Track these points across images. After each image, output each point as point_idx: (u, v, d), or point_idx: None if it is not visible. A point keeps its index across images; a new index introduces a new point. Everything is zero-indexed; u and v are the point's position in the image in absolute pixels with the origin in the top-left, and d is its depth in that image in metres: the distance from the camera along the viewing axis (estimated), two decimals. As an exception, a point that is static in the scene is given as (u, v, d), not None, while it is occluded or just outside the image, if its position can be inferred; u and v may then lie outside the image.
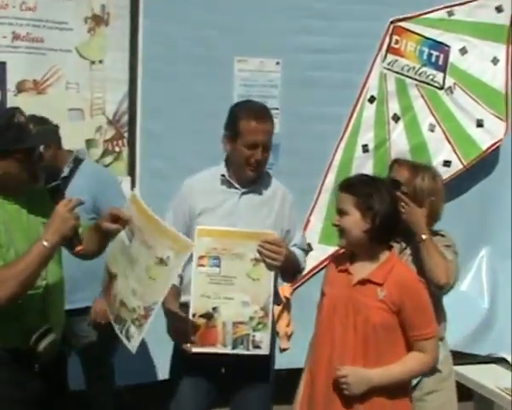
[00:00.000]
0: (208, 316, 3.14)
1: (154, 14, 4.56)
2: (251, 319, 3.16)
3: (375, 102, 5.03)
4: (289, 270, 3.39)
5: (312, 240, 4.94)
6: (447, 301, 3.50)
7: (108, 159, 4.60)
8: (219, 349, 3.15)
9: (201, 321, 3.14)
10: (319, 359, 3.04)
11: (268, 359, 3.30)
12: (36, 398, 2.92)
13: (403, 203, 3.37)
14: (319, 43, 4.87)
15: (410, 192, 3.42)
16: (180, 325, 3.21)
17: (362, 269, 3.01)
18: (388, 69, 5.04)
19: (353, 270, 3.03)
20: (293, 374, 3.27)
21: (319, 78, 4.89)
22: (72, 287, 3.36)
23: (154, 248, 2.89)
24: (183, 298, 3.34)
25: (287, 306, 4.79)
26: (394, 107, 5.06)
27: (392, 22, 5.02)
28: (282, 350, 4.76)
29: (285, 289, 4.69)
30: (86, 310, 3.97)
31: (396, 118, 5.07)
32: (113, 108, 4.60)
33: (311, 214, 4.97)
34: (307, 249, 3.71)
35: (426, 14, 5.09)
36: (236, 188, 3.34)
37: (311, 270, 4.88)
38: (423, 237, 3.37)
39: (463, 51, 5.19)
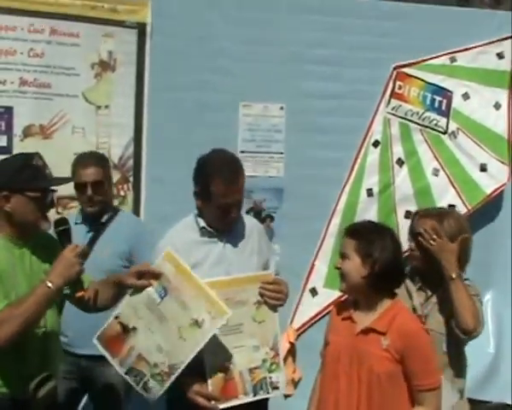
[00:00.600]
0: (225, 369, 3.12)
1: (159, 59, 4.62)
2: (264, 361, 3.17)
3: (379, 147, 5.05)
4: None
5: (317, 284, 4.94)
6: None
7: (114, 203, 4.59)
8: (243, 399, 3.13)
9: (220, 376, 3.12)
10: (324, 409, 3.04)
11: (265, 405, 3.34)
12: None
13: (434, 237, 3.32)
14: (323, 88, 4.93)
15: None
16: (199, 388, 3.12)
17: (365, 317, 3.01)
18: (392, 114, 5.08)
19: (357, 318, 3.03)
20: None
21: (323, 123, 4.93)
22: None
23: (191, 310, 2.99)
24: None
25: (292, 351, 4.76)
26: (398, 151, 5.09)
27: (395, 68, 5.08)
28: (287, 396, 4.70)
29: (290, 334, 4.66)
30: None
31: (400, 162, 5.09)
32: (118, 153, 4.62)
33: (315, 259, 4.96)
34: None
35: (428, 60, 5.14)
36: (218, 238, 3.31)
37: (317, 314, 4.87)
38: (453, 275, 3.28)
39: (466, 96, 5.24)
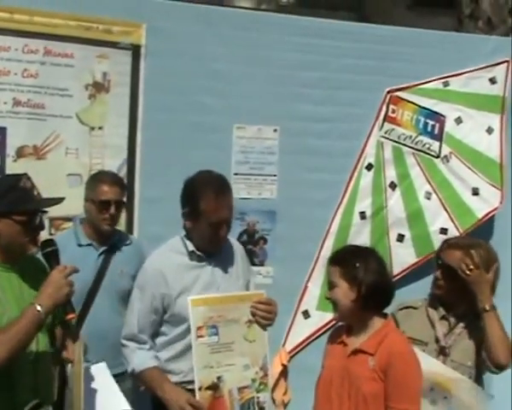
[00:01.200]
0: (214, 387, 3.14)
1: (153, 82, 4.62)
2: (253, 381, 3.21)
3: (372, 170, 5.06)
4: None
5: (310, 306, 4.93)
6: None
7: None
8: None
9: (208, 393, 3.12)
10: None
11: None
12: None
13: (471, 267, 3.27)
14: (317, 111, 4.94)
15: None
16: (189, 397, 3.14)
17: (356, 340, 3.04)
18: (385, 138, 5.09)
19: (349, 341, 3.06)
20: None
21: (317, 145, 4.94)
22: (116, 352, 3.45)
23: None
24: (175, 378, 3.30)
25: (284, 373, 4.73)
26: (391, 174, 5.10)
27: (388, 92, 5.10)
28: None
29: (282, 356, 4.65)
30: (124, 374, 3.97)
31: (393, 185, 5.10)
32: (111, 174, 4.61)
33: (308, 281, 4.95)
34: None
35: (422, 84, 5.17)
36: (207, 260, 3.34)
37: (309, 337, 4.85)
38: (487, 307, 3.24)
39: (459, 121, 5.26)
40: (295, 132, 4.90)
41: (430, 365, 3.13)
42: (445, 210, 5.16)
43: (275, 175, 4.89)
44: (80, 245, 4.02)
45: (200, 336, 3.14)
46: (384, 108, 5.09)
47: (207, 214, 3.22)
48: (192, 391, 3.15)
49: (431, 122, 5.18)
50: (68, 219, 4.42)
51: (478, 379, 3.36)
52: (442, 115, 5.21)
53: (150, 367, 3.29)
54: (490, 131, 5.31)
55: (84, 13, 4.44)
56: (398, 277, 4.99)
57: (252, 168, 4.85)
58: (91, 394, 3.00)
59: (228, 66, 4.76)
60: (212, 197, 3.24)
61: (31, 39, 4.36)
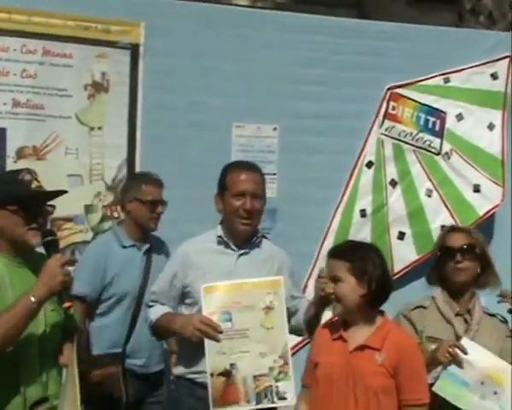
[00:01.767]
0: (227, 374, 3.05)
1: (152, 81, 4.62)
2: (271, 369, 3.07)
3: (372, 168, 5.06)
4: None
5: (310, 305, 4.91)
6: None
7: (107, 224, 4.58)
8: (244, 406, 3.06)
9: (221, 380, 3.06)
10: None
11: None
12: None
13: None
14: (316, 109, 4.94)
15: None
16: (201, 316, 3.11)
17: (357, 335, 2.99)
18: (386, 135, 5.09)
19: (348, 336, 3.00)
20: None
21: (316, 143, 4.94)
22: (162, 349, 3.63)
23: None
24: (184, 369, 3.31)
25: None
26: (392, 172, 5.10)
27: (389, 89, 5.09)
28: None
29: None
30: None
31: (393, 183, 5.10)
32: (111, 174, 4.61)
33: (308, 279, 4.94)
34: None
35: (422, 80, 5.16)
36: (233, 249, 3.33)
37: (309, 336, 4.84)
38: None
39: (460, 117, 5.25)
40: (295, 130, 4.90)
41: (481, 356, 3.13)
42: (446, 207, 5.15)
43: (274, 174, 4.88)
44: (124, 247, 4.03)
45: None
46: (384, 105, 5.08)
47: (232, 186, 3.28)
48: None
49: (432, 119, 5.17)
50: (69, 219, 4.43)
51: None
52: (443, 112, 5.20)
53: (165, 313, 3.33)
54: (491, 127, 5.30)
55: (83, 13, 4.45)
56: (399, 274, 4.99)
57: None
58: None
59: (227, 64, 4.76)
60: (235, 171, 3.32)
61: (29, 39, 4.37)
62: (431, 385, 3.11)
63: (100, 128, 4.57)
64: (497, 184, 5.22)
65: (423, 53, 5.13)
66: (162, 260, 4.02)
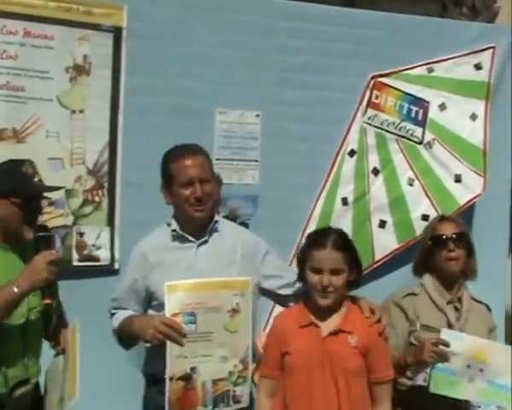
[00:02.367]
0: (187, 378, 2.96)
1: (135, 64, 4.57)
2: (230, 373, 3.01)
3: (355, 156, 5.06)
4: None
5: (292, 292, 4.92)
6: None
7: (88, 209, 4.54)
8: None
9: (180, 384, 2.96)
10: None
11: None
12: None
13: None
14: (300, 96, 4.91)
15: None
16: (163, 317, 2.98)
17: (329, 320, 3.05)
18: (368, 123, 5.08)
19: (320, 322, 3.05)
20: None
21: (299, 130, 4.92)
22: None
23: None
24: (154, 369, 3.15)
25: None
26: (374, 160, 5.10)
27: (372, 77, 5.08)
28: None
29: (262, 340, 4.62)
30: None
31: (375, 171, 5.10)
32: (93, 158, 4.56)
33: (290, 265, 4.93)
34: None
35: (406, 70, 5.16)
36: (190, 241, 3.22)
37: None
38: None
39: (443, 107, 5.25)
40: (278, 117, 4.88)
41: (461, 341, 3.17)
42: (427, 196, 5.16)
43: (257, 160, 4.87)
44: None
45: None
46: (367, 94, 5.07)
47: (177, 176, 3.16)
48: None
49: (414, 108, 5.17)
50: (49, 203, 4.39)
51: None
52: (426, 101, 5.21)
53: (126, 317, 3.23)
54: (474, 117, 5.31)
55: (64, -6, 4.39)
56: (380, 262, 5.01)
57: (234, 153, 4.83)
58: None
59: (210, 50, 4.72)
60: (178, 159, 3.19)
61: (9, 20, 4.29)
62: (422, 387, 3.18)
63: (81, 111, 4.51)
64: (478, 174, 5.23)
65: (408, 42, 5.12)
66: None
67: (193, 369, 2.96)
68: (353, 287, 3.13)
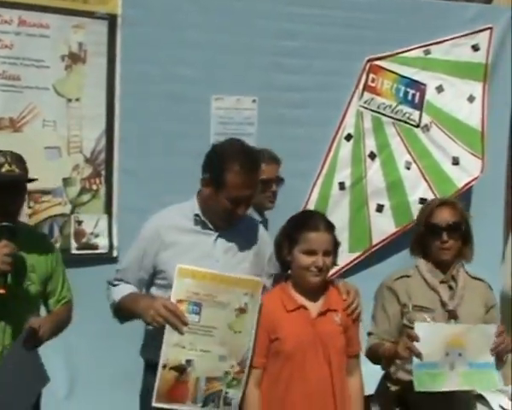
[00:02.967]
0: (181, 369, 2.86)
1: (131, 51, 4.56)
2: (226, 374, 2.91)
3: (351, 140, 5.06)
4: None
5: (289, 276, 4.93)
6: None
7: (86, 197, 4.55)
8: (188, 407, 2.89)
9: (172, 374, 2.86)
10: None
11: None
12: None
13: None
14: (296, 81, 4.91)
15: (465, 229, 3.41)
16: (165, 301, 2.90)
17: (315, 300, 3.09)
18: (365, 107, 5.08)
19: (307, 304, 3.08)
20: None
21: (296, 115, 4.92)
22: None
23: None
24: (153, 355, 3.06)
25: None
26: (371, 144, 5.09)
27: (368, 61, 5.07)
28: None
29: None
30: None
31: (372, 155, 5.10)
32: (90, 146, 4.56)
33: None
34: None
35: (402, 52, 5.15)
36: (211, 229, 3.16)
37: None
38: None
39: (440, 89, 5.24)
40: (274, 103, 4.87)
41: (436, 331, 3.15)
42: (425, 180, 5.17)
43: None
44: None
45: None
46: (364, 78, 5.07)
47: (229, 189, 3.01)
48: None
49: (411, 91, 5.17)
50: (47, 192, 4.40)
51: None
52: (422, 84, 5.20)
53: (129, 293, 3.14)
54: (471, 99, 5.31)
55: (59, -18, 4.38)
56: (378, 247, 5.02)
57: (230, 139, 4.83)
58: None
59: (206, 35, 4.70)
60: (238, 172, 3.01)
61: (5, 9, 4.28)
62: (406, 382, 3.18)
63: (78, 100, 4.51)
64: (476, 156, 5.24)
65: (404, 25, 5.12)
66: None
67: (188, 362, 2.87)
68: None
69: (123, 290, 3.17)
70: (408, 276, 3.42)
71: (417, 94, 5.17)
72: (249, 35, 4.78)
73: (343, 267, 4.76)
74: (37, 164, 4.24)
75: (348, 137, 5.05)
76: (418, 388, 3.06)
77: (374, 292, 3.47)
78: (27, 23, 4.35)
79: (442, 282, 3.38)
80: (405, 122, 5.15)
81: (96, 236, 4.54)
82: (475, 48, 5.31)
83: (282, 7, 4.85)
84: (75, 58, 4.48)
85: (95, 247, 4.54)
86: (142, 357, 3.30)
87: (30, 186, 4.17)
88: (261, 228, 3.41)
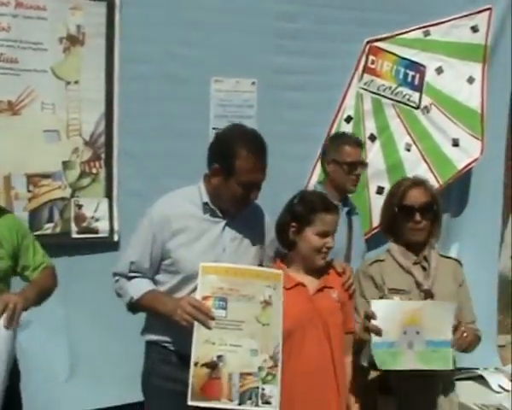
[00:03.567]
0: (212, 365, 2.84)
1: (129, 32, 4.52)
2: (260, 369, 2.86)
3: (351, 122, 5.04)
4: None
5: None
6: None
7: (86, 181, 4.52)
8: (226, 404, 2.83)
9: (204, 371, 2.83)
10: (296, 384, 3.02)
11: None
12: None
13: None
14: (295, 63, 4.88)
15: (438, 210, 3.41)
16: (191, 298, 2.92)
17: (312, 277, 3.16)
18: (365, 89, 5.06)
19: (306, 281, 3.14)
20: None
21: (295, 98, 4.90)
22: None
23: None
24: (155, 337, 3.16)
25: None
26: (371, 126, 5.08)
27: (368, 42, 5.05)
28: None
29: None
30: None
31: (372, 137, 5.09)
32: (89, 129, 4.53)
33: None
34: None
35: (402, 34, 5.13)
36: (220, 217, 3.16)
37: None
38: None
39: (439, 71, 5.23)
40: (274, 85, 4.84)
41: (395, 308, 3.11)
42: (425, 161, 5.17)
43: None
44: None
45: None
46: (363, 59, 5.05)
47: (240, 174, 3.02)
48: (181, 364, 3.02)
49: (411, 73, 5.15)
50: (46, 175, 4.38)
51: None
52: (422, 65, 5.18)
53: (149, 290, 3.14)
54: (471, 80, 5.29)
55: (56, -37, 4.33)
56: (378, 229, 4.99)
57: (230, 122, 4.77)
58: None
59: (205, 16, 4.66)
60: (247, 156, 3.03)
61: (1, -9, 4.25)
62: (370, 365, 3.14)
63: (76, 82, 4.47)
64: (475, 137, 5.23)
65: (403, 6, 5.07)
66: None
67: (219, 357, 2.85)
68: None
69: (140, 287, 3.16)
70: (381, 260, 3.41)
71: (417, 75, 5.16)
72: (249, 16, 4.74)
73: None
74: (37, 147, 4.25)
75: (348, 119, 5.04)
76: (380, 366, 3.02)
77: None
78: (24, 5, 4.31)
79: (415, 263, 3.38)
80: (405, 104, 5.13)
81: (97, 220, 4.52)
82: (474, 29, 5.28)
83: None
84: (73, 40, 4.44)
85: (95, 231, 4.52)
86: (144, 338, 3.30)
87: (29, 170, 4.21)
88: (267, 217, 3.42)
